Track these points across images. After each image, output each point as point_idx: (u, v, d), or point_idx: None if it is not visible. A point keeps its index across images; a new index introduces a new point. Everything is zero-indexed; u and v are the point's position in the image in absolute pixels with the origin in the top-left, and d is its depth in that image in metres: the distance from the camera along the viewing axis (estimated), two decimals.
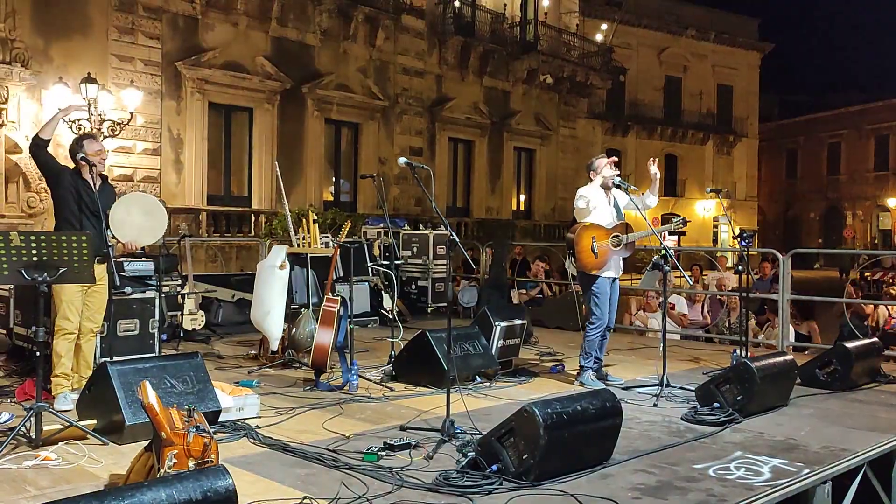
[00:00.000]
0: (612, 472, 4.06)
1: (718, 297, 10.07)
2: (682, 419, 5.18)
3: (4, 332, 7.06)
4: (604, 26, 28.49)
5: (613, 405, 4.27)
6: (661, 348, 6.07)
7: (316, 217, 7.57)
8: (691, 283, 11.11)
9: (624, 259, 6.41)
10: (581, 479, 3.92)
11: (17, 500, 3.44)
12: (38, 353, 4.38)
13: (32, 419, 4.21)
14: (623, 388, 6.08)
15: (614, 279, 6.33)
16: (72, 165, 5.41)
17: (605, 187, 6.31)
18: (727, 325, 9.54)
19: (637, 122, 32.15)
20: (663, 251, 6.20)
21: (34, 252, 4.24)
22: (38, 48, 13.84)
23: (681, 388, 5.96)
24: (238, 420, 4.84)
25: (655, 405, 5.58)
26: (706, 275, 14.28)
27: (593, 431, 4.11)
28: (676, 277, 10.61)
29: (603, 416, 4.17)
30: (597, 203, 6.25)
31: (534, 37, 23.57)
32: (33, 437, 4.20)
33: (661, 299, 7.36)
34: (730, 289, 10.35)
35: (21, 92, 13.56)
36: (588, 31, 26.92)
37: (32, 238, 4.26)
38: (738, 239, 7.14)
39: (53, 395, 5.11)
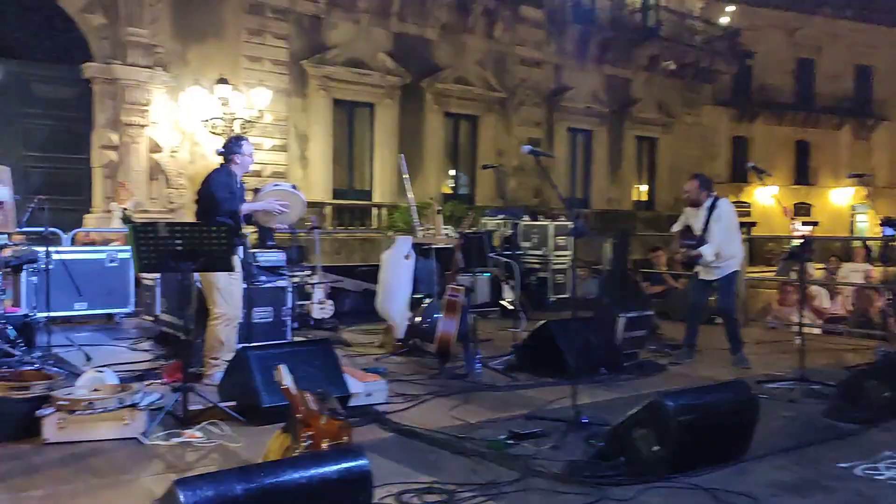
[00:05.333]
0: (749, 468, 3.90)
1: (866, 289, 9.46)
2: (823, 416, 4.92)
3: (152, 318, 7.54)
4: (729, 8, 27.30)
5: (748, 398, 4.10)
6: (799, 341, 5.78)
7: (439, 209, 7.65)
8: (834, 274, 10.50)
9: (750, 251, 6.51)
10: (715, 473, 3.79)
11: (166, 473, 3.67)
12: (183, 338, 4.65)
13: (180, 399, 4.48)
14: (758, 382, 5.83)
15: (704, 280, 6.90)
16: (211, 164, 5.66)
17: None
18: (867, 317, 8.95)
19: (765, 107, 30.60)
20: (802, 240, 5.90)
21: (178, 242, 4.50)
22: (176, 52, 14.64)
23: (821, 383, 5.66)
24: (366, 405, 4.96)
25: (793, 400, 5.33)
26: (842, 266, 13.45)
27: (727, 425, 3.96)
28: (817, 270, 9.98)
29: (737, 410, 4.02)
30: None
31: (655, 22, 22.89)
32: (180, 416, 4.46)
33: (798, 290, 7.00)
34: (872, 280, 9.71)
35: (162, 94, 14.40)
36: (712, 15, 25.87)
37: (177, 229, 4.53)
38: (884, 226, 6.71)
39: (205, 375, 5.40)
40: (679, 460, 3.72)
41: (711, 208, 6.69)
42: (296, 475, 2.73)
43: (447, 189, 19.45)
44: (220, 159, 5.62)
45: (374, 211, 17.33)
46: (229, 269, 4.87)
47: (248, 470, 2.71)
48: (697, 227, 6.78)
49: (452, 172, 19.73)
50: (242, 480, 2.61)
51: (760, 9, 29.64)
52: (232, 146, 5.62)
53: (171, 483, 2.52)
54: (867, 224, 32.46)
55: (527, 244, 11.38)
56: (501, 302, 9.93)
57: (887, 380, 4.93)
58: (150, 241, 4.45)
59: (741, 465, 3.93)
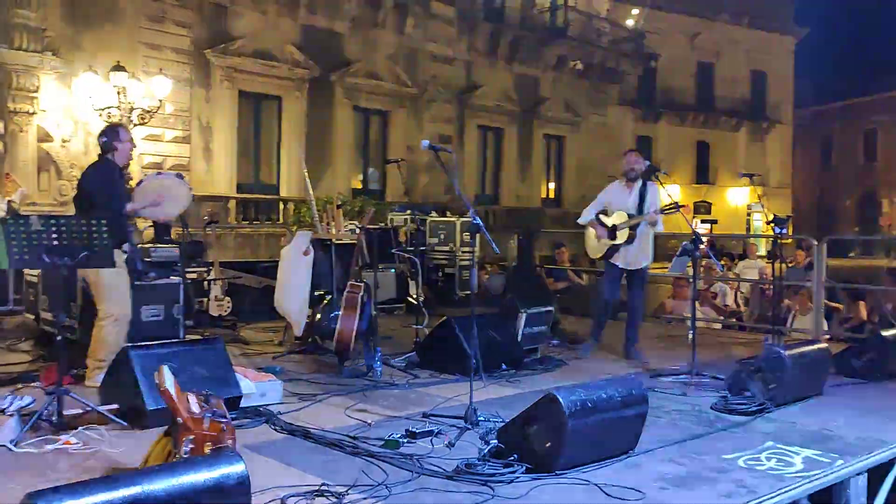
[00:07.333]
0: (639, 462, 3.96)
1: (762, 286, 9.86)
2: (711, 408, 5.06)
3: (33, 317, 7.13)
4: (635, 11, 28.03)
5: (640, 393, 4.16)
6: (690, 336, 5.94)
7: (341, 203, 7.51)
8: (722, 270, 10.90)
9: (656, 248, 6.63)
10: (606, 468, 3.83)
11: (36, 484, 3.42)
12: (60, 338, 4.39)
13: (54, 403, 4.21)
14: (651, 376, 5.96)
15: (620, 272, 6.92)
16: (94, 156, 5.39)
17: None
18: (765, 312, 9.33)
19: (669, 108, 31.66)
20: (693, 237, 6.05)
21: (54, 236, 4.23)
22: (67, 37, 13.91)
23: (711, 376, 5.83)
24: (260, 406, 4.82)
25: (684, 394, 5.47)
26: (736, 263, 14.02)
27: (619, 419, 4.00)
28: (708, 268, 10.26)
29: (629, 404, 4.06)
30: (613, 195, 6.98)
31: (564, 22, 23.27)
32: (55, 420, 4.20)
33: (701, 287, 7.20)
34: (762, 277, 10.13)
35: (52, 81, 13.66)
36: (619, 17, 26.53)
37: (52, 222, 4.26)
38: (772, 225, 6.96)
39: (87, 377, 5.14)
40: (570, 456, 3.74)
41: (644, 188, 6.80)
42: (166, 483, 2.58)
43: (357, 184, 19.26)
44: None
45: (281, 206, 16.98)
46: (110, 264, 4.61)
47: (112, 479, 2.54)
48: (627, 206, 6.80)
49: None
50: (106, 490, 2.45)
51: (664, 13, 30.57)
52: (108, 136, 5.35)
53: (24, 496, 2.33)
54: (762, 222, 33.98)
55: (434, 240, 11.36)
56: (408, 298, 9.87)
57: (771, 371, 5.11)
58: (21, 234, 4.17)
59: (631, 459, 3.99)
